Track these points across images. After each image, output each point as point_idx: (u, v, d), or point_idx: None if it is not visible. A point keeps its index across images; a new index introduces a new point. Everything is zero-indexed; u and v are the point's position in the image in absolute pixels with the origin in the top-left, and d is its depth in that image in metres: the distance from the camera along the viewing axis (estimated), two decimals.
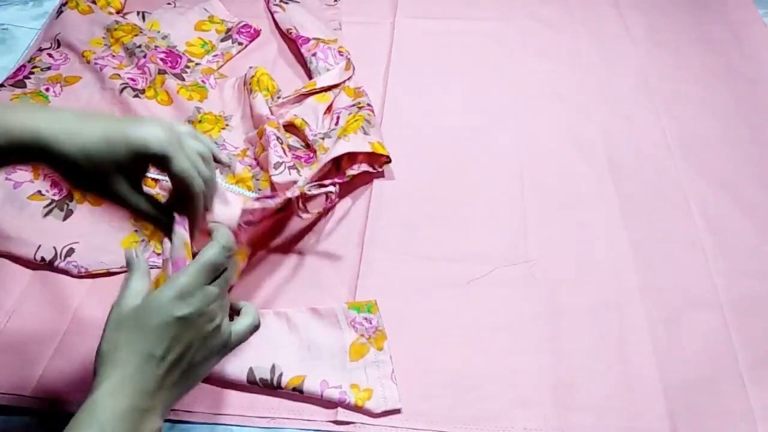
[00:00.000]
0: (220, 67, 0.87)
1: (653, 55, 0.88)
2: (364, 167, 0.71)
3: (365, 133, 0.72)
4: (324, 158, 0.68)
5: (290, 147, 0.73)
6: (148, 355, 0.39)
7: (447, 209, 0.71)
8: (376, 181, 0.73)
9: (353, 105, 0.78)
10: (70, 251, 0.65)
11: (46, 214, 0.68)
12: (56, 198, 0.69)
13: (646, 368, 0.58)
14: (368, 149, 0.70)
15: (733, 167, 0.74)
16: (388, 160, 0.72)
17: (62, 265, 0.64)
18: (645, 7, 0.96)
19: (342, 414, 0.54)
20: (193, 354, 0.42)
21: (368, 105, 0.77)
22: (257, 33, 0.92)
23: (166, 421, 0.53)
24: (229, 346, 0.45)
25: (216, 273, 0.44)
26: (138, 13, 0.93)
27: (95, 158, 0.41)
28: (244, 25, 0.92)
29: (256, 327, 0.47)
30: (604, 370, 0.58)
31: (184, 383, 0.42)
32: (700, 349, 0.59)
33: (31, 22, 0.96)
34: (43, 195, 0.69)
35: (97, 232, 0.67)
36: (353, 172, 0.70)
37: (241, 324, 0.46)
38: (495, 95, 0.83)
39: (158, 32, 0.90)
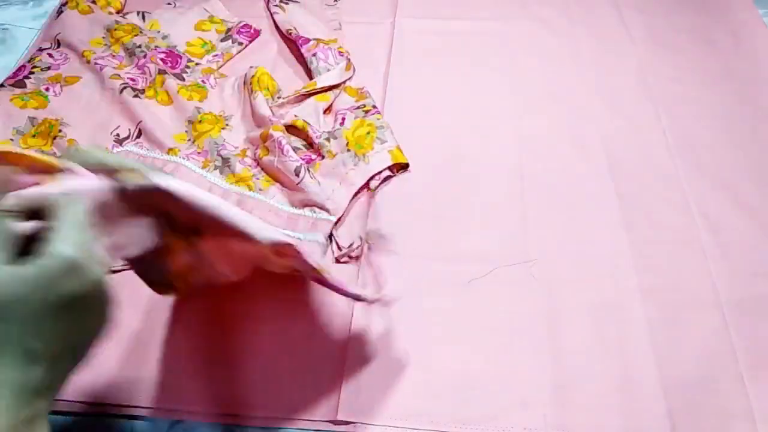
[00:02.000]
0: (220, 67, 0.87)
1: (653, 55, 0.88)
2: (386, 173, 0.72)
3: (382, 141, 0.72)
4: (352, 188, 0.70)
5: (295, 149, 0.73)
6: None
7: (447, 209, 0.71)
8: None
9: (358, 107, 0.78)
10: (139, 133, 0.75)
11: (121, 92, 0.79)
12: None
13: (646, 368, 0.58)
14: (390, 162, 0.72)
15: (733, 167, 0.74)
16: (407, 167, 0.73)
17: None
18: (645, 7, 0.96)
19: (342, 414, 0.55)
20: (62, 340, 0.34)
21: (374, 107, 0.78)
22: (257, 33, 0.92)
23: (165, 421, 0.54)
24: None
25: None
26: (138, 13, 0.93)
27: None
28: (244, 25, 0.92)
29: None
30: (604, 369, 0.58)
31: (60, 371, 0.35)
32: (700, 349, 0.59)
33: (31, 22, 0.96)
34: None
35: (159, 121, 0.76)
36: (377, 183, 0.71)
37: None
38: (495, 95, 0.83)
39: (158, 32, 0.90)
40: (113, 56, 0.85)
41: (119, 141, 0.76)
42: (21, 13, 0.97)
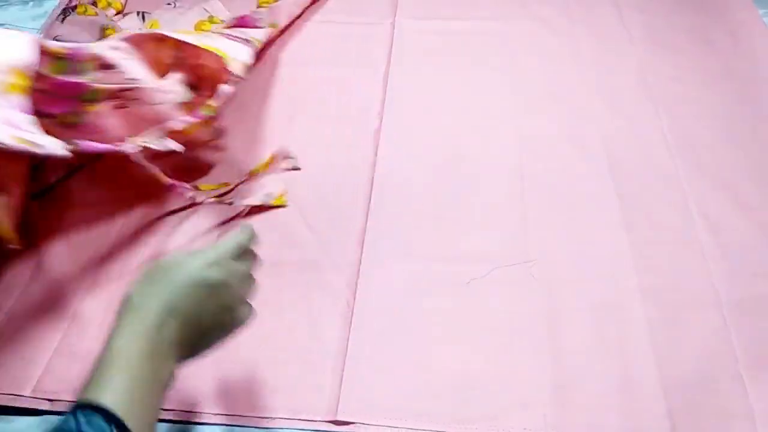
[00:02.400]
0: None
1: (653, 55, 0.88)
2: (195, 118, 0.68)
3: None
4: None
5: None
6: (171, 308, 0.42)
7: (447, 209, 0.71)
8: (376, 181, 0.73)
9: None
10: None
11: None
12: None
13: (646, 368, 0.58)
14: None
15: (733, 167, 0.74)
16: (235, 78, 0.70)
17: None
18: (645, 7, 0.96)
19: (342, 414, 0.54)
20: (212, 319, 0.45)
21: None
22: None
23: (161, 421, 0.54)
24: (237, 324, 0.47)
25: (242, 255, 0.48)
26: (138, 13, 0.93)
27: None
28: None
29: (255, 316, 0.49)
30: (603, 370, 0.58)
31: (197, 343, 0.45)
32: (700, 349, 0.59)
33: (31, 22, 0.95)
34: None
35: None
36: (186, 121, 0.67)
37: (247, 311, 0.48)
38: (495, 95, 0.83)
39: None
40: None
41: None
42: (21, 14, 0.97)
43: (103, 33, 0.88)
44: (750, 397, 0.56)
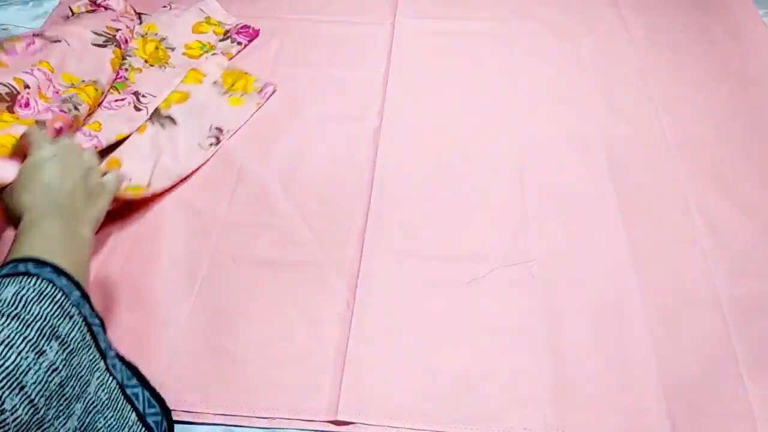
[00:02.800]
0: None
1: (653, 55, 0.88)
2: None
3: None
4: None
5: None
6: (46, 185, 0.51)
7: (447, 209, 0.70)
8: (376, 181, 0.73)
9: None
10: None
11: None
12: None
13: (646, 368, 0.58)
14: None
15: (733, 167, 0.74)
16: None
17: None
18: (645, 7, 0.96)
19: (342, 414, 0.54)
20: (83, 182, 0.53)
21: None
22: (256, 33, 0.92)
23: (162, 420, 0.53)
24: (106, 187, 0.56)
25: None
26: (136, 16, 0.92)
27: None
28: (243, 25, 0.92)
29: (122, 180, 0.59)
30: (604, 370, 0.58)
31: (91, 202, 0.54)
32: (700, 349, 0.59)
33: (31, 22, 0.95)
34: None
35: None
36: None
37: (109, 175, 0.57)
38: (495, 95, 0.83)
39: (156, 34, 0.89)
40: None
41: None
42: (21, 13, 0.97)
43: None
44: (750, 398, 0.56)
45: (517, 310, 0.62)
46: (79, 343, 0.43)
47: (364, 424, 0.54)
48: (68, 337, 0.42)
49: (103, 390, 0.44)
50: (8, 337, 0.39)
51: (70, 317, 0.43)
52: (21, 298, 0.41)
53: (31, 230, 0.48)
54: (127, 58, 0.85)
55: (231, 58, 0.89)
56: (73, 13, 0.89)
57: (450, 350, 0.59)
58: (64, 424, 0.40)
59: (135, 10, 0.92)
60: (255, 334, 0.60)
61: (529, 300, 0.63)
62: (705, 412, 0.55)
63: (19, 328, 0.39)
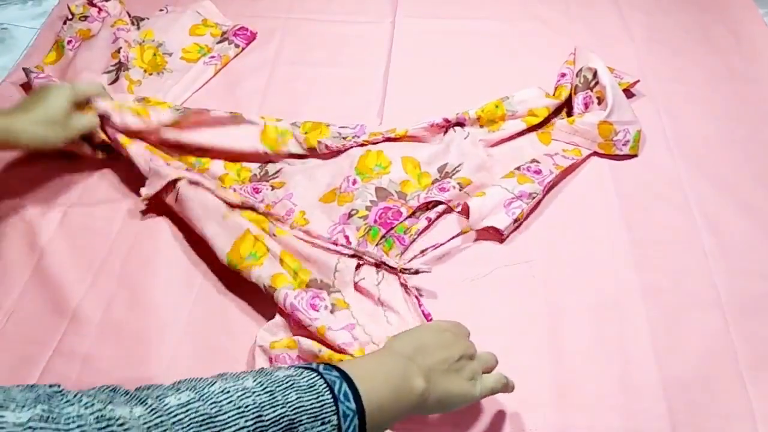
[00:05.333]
0: (219, 70, 0.87)
1: (653, 55, 0.88)
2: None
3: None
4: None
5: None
6: (420, 345, 0.48)
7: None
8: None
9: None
10: None
11: None
12: None
13: (646, 368, 0.58)
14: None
15: (733, 167, 0.74)
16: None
17: None
18: (645, 6, 0.96)
19: None
20: (449, 366, 0.48)
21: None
22: (254, 36, 0.91)
23: None
24: (476, 389, 0.49)
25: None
26: (133, 22, 0.91)
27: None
28: (241, 27, 0.92)
29: (503, 386, 0.51)
30: (604, 370, 0.58)
31: (443, 382, 0.47)
32: (700, 349, 0.59)
33: (31, 21, 0.96)
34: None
35: None
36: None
37: (488, 378, 0.51)
38: (495, 95, 0.83)
39: (153, 40, 0.89)
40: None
41: None
42: (20, 13, 0.97)
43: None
44: (750, 397, 0.56)
45: (517, 310, 0.62)
46: None
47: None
48: None
49: None
50: (246, 406, 0.37)
51: (323, 423, 0.38)
52: (289, 380, 0.39)
53: (376, 355, 0.48)
54: (126, 70, 0.83)
55: (228, 61, 0.88)
56: (72, 13, 0.89)
57: None
58: None
59: (130, 15, 0.91)
60: (255, 334, 0.60)
61: (529, 300, 0.63)
62: (705, 412, 0.55)
63: (263, 404, 0.37)
